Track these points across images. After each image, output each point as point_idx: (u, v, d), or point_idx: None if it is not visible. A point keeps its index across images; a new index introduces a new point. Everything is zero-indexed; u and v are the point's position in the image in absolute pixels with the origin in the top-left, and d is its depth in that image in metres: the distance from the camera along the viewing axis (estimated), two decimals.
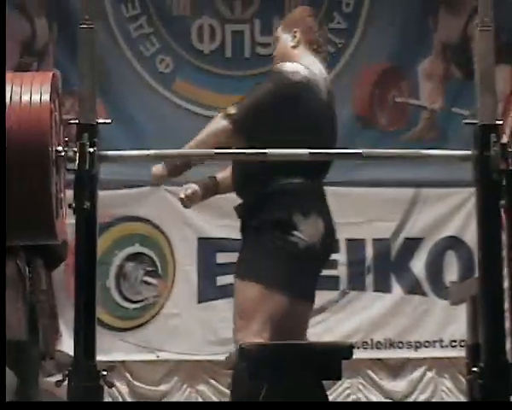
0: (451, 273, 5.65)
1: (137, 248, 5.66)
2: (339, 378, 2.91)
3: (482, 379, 2.85)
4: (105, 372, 2.85)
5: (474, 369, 2.89)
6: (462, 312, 3.53)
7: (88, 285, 2.79)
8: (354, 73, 5.85)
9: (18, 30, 5.64)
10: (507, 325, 2.87)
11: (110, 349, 5.40)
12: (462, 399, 3.07)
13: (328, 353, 2.91)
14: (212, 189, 3.70)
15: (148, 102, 5.72)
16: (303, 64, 3.61)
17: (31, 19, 5.66)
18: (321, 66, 3.67)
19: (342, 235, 5.53)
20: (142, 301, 5.62)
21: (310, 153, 3.12)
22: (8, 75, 2.87)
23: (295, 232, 3.47)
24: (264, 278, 3.48)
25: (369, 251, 5.75)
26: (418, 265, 5.73)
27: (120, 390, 5.58)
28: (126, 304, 5.62)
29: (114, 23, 5.74)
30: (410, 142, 5.68)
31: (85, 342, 2.76)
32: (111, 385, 2.86)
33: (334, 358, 2.89)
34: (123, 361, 5.57)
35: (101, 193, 5.17)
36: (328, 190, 3.53)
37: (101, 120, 2.85)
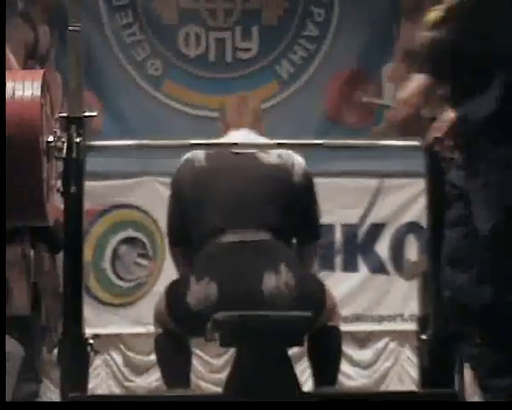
0: (412, 255, 5.65)
1: (130, 232, 5.65)
2: (300, 345, 2.90)
3: (429, 346, 2.86)
4: (92, 341, 2.83)
5: (423, 337, 2.90)
6: None
7: (75, 262, 2.78)
8: (325, 76, 5.84)
9: (22, 37, 5.60)
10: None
11: (106, 323, 5.40)
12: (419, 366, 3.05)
13: (291, 322, 2.91)
14: None
15: (140, 102, 5.71)
16: None
17: (34, 27, 5.62)
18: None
19: None
20: (134, 280, 5.61)
21: (277, 143, 3.13)
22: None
23: (187, 293, 3.13)
24: None
25: (338, 235, 5.75)
26: (382, 247, 5.73)
27: (115, 360, 5.57)
28: (121, 283, 5.61)
29: (109, 30, 5.72)
30: (375, 137, 5.67)
31: (73, 312, 2.75)
32: (97, 352, 2.85)
33: (296, 327, 2.88)
34: (118, 334, 5.55)
35: (97, 183, 5.26)
36: None
37: (87, 113, 2.84)
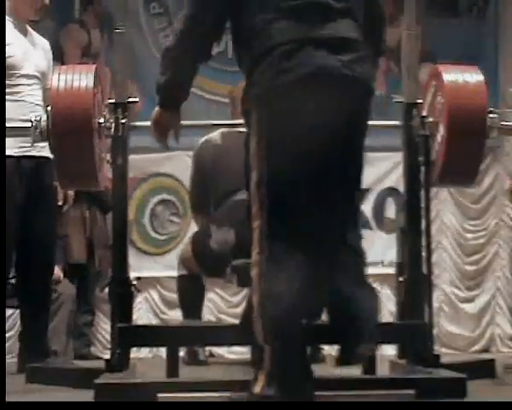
0: (390, 214, 5.63)
1: (165, 196, 5.65)
2: None
3: (405, 286, 2.86)
4: (135, 282, 2.84)
5: (400, 279, 2.90)
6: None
7: (121, 219, 2.78)
8: None
9: (79, 39, 5.60)
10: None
11: (146, 268, 5.41)
12: (396, 302, 3.04)
13: None
14: None
15: None
16: None
17: (88, 31, 5.62)
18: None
19: None
20: (168, 234, 5.62)
21: None
22: (64, 67, 2.85)
23: (210, 240, 3.22)
24: None
25: None
26: (367, 207, 5.70)
27: (154, 297, 5.59)
28: (157, 236, 5.62)
29: (148, 33, 5.68)
30: None
31: (120, 259, 2.76)
32: (139, 291, 2.86)
33: None
34: (155, 277, 5.57)
35: (139, 156, 5.24)
36: None
37: (131, 99, 2.83)
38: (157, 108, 2.40)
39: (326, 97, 2.08)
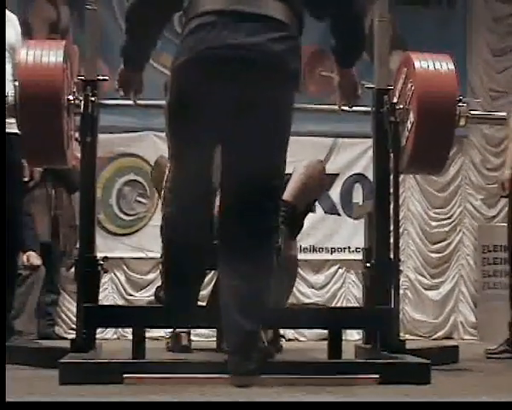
0: (358, 200, 5.65)
1: (132, 176, 5.60)
2: None
3: (372, 272, 2.87)
4: (102, 262, 2.82)
5: (367, 265, 2.91)
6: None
7: (89, 198, 2.76)
8: None
9: (47, 15, 5.50)
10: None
11: (112, 249, 5.36)
12: (363, 288, 3.04)
13: None
14: None
15: None
16: None
17: (57, 7, 5.52)
18: None
19: None
20: (135, 215, 5.57)
21: None
22: (32, 42, 2.80)
23: None
24: None
25: None
26: (335, 193, 5.72)
27: (120, 278, 5.55)
28: (124, 216, 5.57)
29: (118, 12, 5.59)
30: (331, 104, 5.59)
31: (87, 239, 2.73)
32: (106, 271, 2.84)
33: None
34: (121, 258, 5.53)
35: (107, 136, 5.19)
36: None
37: (100, 77, 2.80)
38: (121, 67, 2.61)
39: (215, 74, 2.18)
